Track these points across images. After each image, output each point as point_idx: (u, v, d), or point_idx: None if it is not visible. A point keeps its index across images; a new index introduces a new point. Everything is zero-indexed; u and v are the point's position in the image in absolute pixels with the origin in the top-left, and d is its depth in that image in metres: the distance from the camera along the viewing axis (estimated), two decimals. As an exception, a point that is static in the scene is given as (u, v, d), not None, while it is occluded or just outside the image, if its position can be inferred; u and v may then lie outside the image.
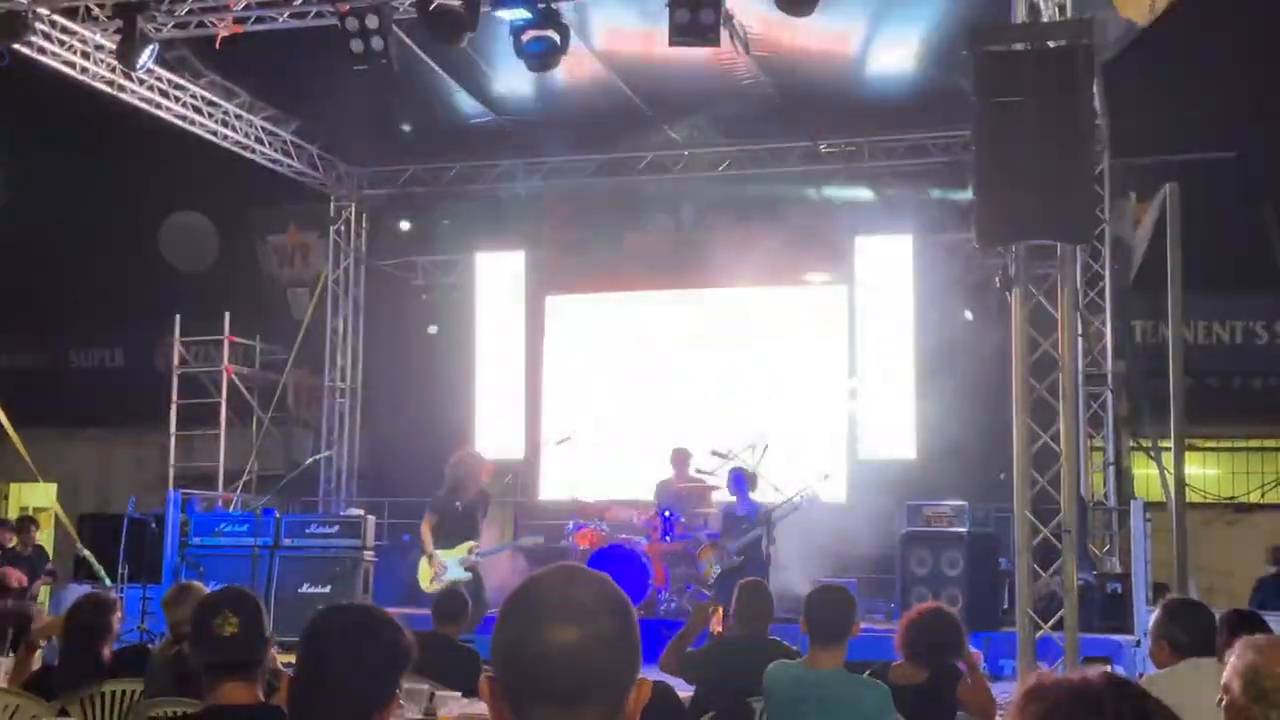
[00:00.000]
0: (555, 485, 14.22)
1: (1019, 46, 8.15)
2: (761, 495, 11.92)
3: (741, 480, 11.79)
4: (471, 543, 10.91)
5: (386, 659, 2.65)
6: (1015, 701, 2.02)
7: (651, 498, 12.82)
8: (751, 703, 5.67)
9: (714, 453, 12.35)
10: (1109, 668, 2.08)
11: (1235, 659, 3.18)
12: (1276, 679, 3.06)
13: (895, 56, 12.71)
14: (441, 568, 10.79)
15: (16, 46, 10.95)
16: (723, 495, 12.23)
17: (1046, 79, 7.96)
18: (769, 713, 5.32)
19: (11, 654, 6.43)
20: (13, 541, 12.60)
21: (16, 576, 11.75)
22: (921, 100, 13.36)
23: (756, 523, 11.45)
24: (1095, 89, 10.18)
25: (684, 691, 6.06)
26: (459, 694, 5.88)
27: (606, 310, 15.52)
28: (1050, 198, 7.91)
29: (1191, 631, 4.84)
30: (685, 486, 12.62)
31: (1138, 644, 10.33)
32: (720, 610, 8.73)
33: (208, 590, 5.44)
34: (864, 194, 14.86)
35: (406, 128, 14.56)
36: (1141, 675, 6.90)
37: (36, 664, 6.21)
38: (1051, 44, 8.11)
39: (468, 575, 10.75)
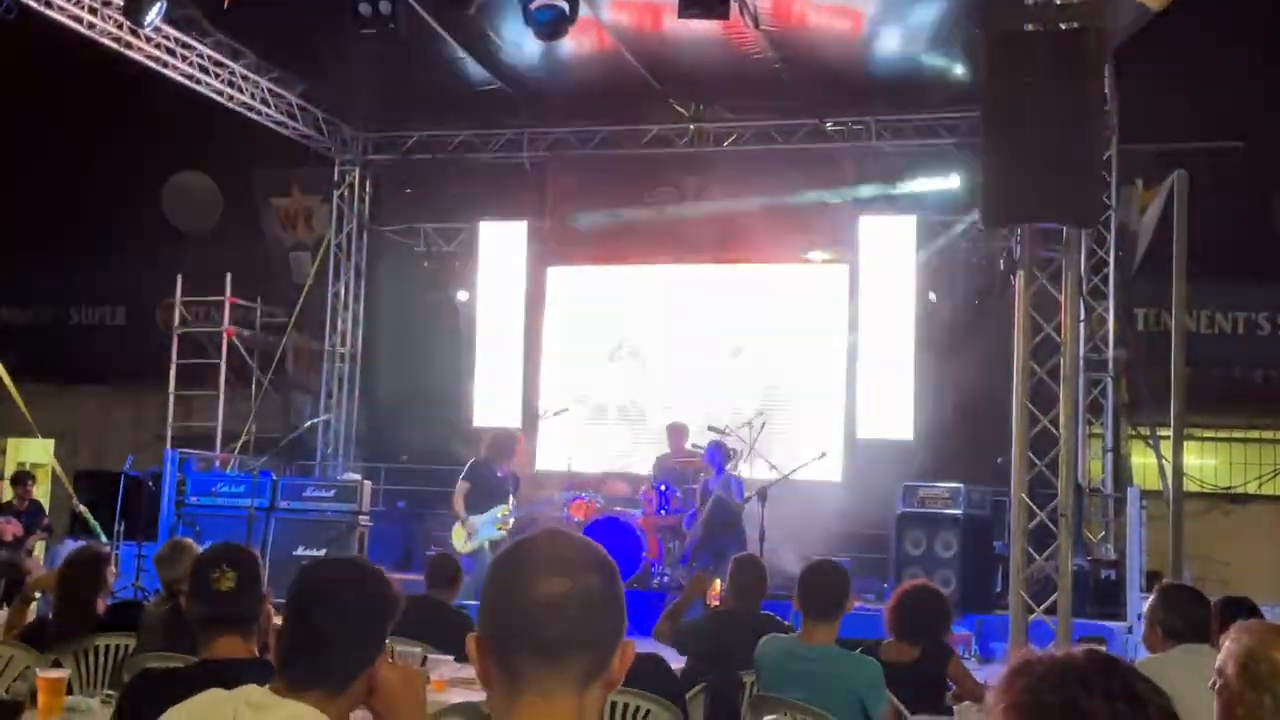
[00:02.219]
0: (551, 456, 14.23)
1: (1031, 27, 8.09)
2: (757, 472, 11.92)
3: (716, 455, 11.75)
4: (504, 507, 11.02)
5: (373, 612, 2.64)
6: (1001, 678, 2.02)
7: (648, 471, 12.85)
8: (742, 676, 5.68)
9: (711, 428, 12.35)
10: (1101, 647, 2.10)
11: (1230, 643, 3.17)
12: (1271, 663, 3.06)
13: (905, 36, 12.65)
14: (474, 529, 10.91)
15: (24, -1, 10.91)
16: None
17: (1058, 60, 7.91)
18: (760, 685, 5.33)
19: (5, 607, 6.44)
20: (8, 496, 12.61)
21: (11, 530, 11.79)
22: (930, 80, 13.31)
23: (717, 499, 11.44)
24: (1106, 73, 10.14)
25: (675, 663, 6.07)
26: (451, 658, 5.90)
27: (607, 283, 15.49)
28: (1058, 180, 7.87)
29: (1186, 618, 4.83)
30: (681, 461, 12.62)
31: (1129, 630, 10.36)
32: (717, 582, 8.79)
33: (201, 548, 5.46)
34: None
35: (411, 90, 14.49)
36: (1134, 660, 6.92)
37: (30, 616, 6.23)
38: (1064, 25, 8.06)
39: (501, 535, 10.89)
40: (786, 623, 6.45)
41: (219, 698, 2.48)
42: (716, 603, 9.16)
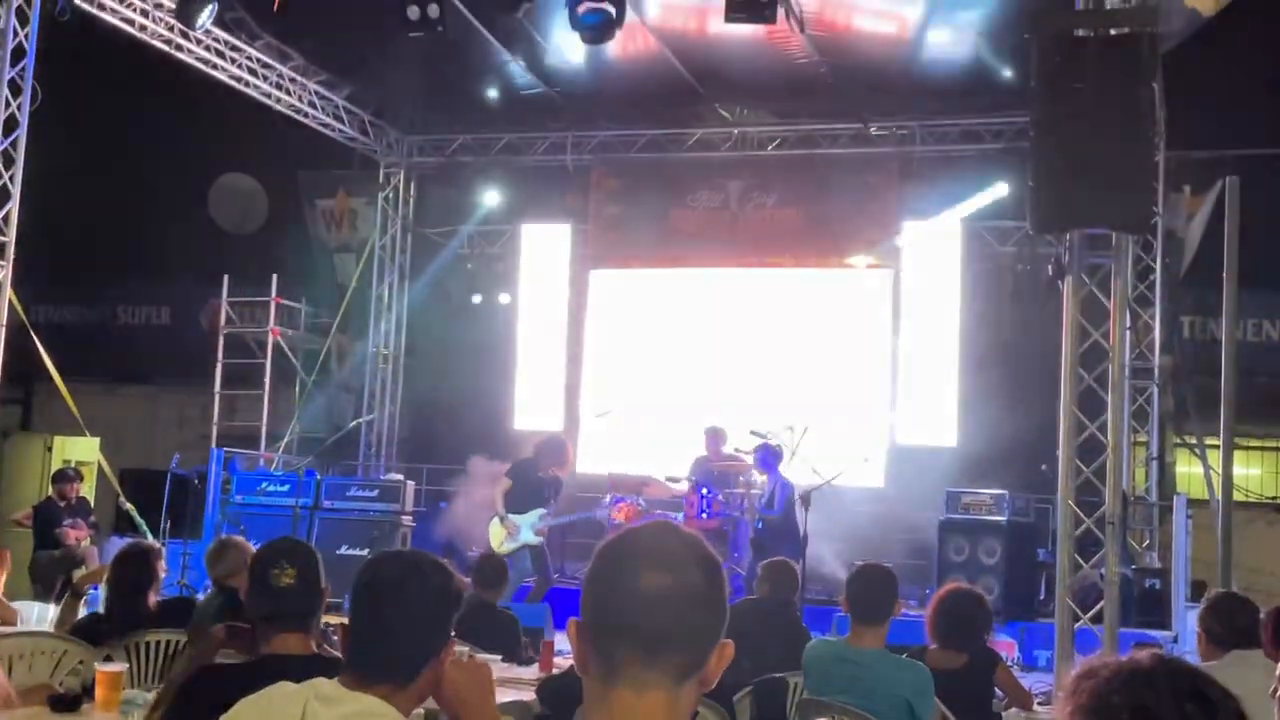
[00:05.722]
0: (593, 459, 14.25)
1: (1082, 32, 8.05)
2: (800, 477, 11.88)
3: (768, 458, 11.70)
4: (542, 510, 11.05)
5: (439, 603, 2.67)
6: (1068, 682, 2.02)
7: (686, 474, 12.83)
8: (789, 678, 5.68)
9: (753, 432, 12.31)
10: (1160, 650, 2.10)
11: (1292, 650, 3.15)
12: (1335, 671, 3.04)
13: (951, 40, 12.60)
14: (515, 529, 10.95)
15: (78, 1, 11.03)
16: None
17: (1109, 66, 7.85)
18: (808, 688, 5.32)
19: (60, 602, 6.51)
20: (75, 493, 12.69)
21: (74, 534, 11.91)
22: (976, 85, 13.26)
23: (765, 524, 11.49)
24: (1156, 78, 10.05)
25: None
26: (499, 658, 5.92)
27: (650, 286, 15.50)
28: (1108, 186, 7.81)
29: (1232, 625, 4.81)
30: (722, 464, 12.60)
31: (1175, 639, 10.28)
32: None
33: (249, 545, 5.50)
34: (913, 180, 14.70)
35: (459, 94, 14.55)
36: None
37: (82, 611, 6.29)
38: (1115, 31, 8.01)
39: (539, 540, 10.97)
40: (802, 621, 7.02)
41: (288, 690, 2.49)
42: None
